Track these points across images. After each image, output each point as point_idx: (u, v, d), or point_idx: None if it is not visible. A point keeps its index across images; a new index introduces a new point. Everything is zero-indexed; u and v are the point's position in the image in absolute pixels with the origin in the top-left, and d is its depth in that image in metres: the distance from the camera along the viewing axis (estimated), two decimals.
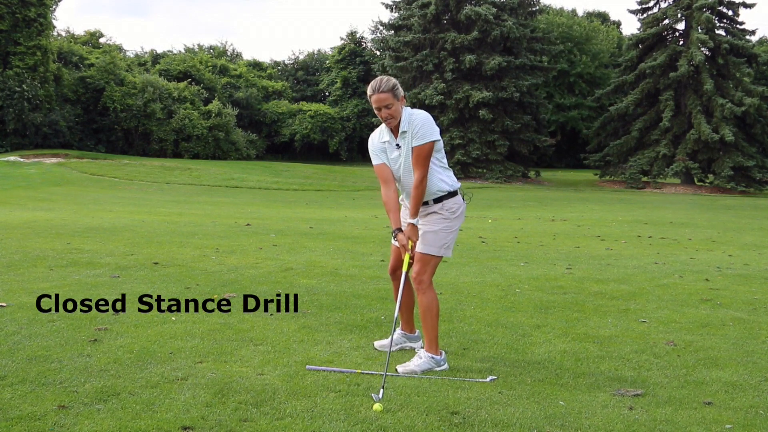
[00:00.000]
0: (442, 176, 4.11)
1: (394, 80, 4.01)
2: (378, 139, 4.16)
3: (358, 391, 3.57)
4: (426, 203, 4.10)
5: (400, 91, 4.01)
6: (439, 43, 38.17)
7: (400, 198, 4.31)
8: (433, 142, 3.98)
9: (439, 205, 4.10)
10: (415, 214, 4.03)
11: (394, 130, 4.06)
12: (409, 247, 4.04)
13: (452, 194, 4.13)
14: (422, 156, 3.96)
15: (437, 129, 4.06)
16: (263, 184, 29.92)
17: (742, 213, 22.27)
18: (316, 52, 62.29)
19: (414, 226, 4.03)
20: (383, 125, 4.11)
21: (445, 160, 4.18)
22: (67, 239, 9.36)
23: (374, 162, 4.18)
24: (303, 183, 31.27)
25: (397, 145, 4.06)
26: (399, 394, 3.56)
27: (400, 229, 4.08)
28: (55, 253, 7.95)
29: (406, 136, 4.01)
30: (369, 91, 4.00)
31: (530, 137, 38.91)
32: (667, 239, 12.41)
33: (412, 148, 3.98)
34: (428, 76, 38.60)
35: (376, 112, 4.00)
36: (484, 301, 5.99)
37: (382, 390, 3.49)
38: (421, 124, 3.96)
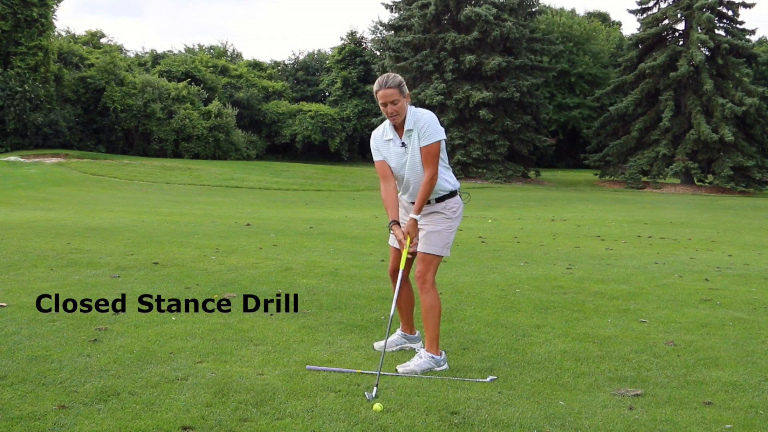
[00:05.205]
0: (445, 176, 4.13)
1: (400, 77, 4.05)
2: (381, 136, 4.17)
3: (358, 391, 3.57)
4: (428, 203, 4.11)
5: (406, 89, 4.04)
6: (439, 44, 38.17)
7: (399, 195, 4.30)
8: (441, 140, 4.01)
9: (442, 204, 4.12)
10: (419, 210, 4.04)
11: (399, 128, 4.08)
12: (407, 242, 4.05)
13: (453, 194, 4.16)
14: (432, 154, 3.99)
15: (442, 128, 4.09)
16: (263, 184, 29.91)
17: (742, 213, 22.27)
18: (316, 52, 62.25)
19: (415, 222, 4.04)
20: (387, 122, 4.13)
21: (447, 160, 4.20)
22: (67, 239, 9.36)
23: (375, 159, 4.20)
24: (303, 183, 31.26)
25: (403, 143, 4.07)
26: (399, 394, 3.56)
27: (397, 222, 4.11)
28: (55, 253, 7.94)
29: (412, 135, 4.02)
30: (376, 87, 4.02)
31: (530, 137, 38.92)
32: (667, 239, 12.41)
33: (420, 147, 4.00)
34: (428, 76, 38.60)
35: (381, 108, 4.02)
36: (484, 301, 5.99)
37: (375, 388, 3.49)
38: (428, 124, 3.99)
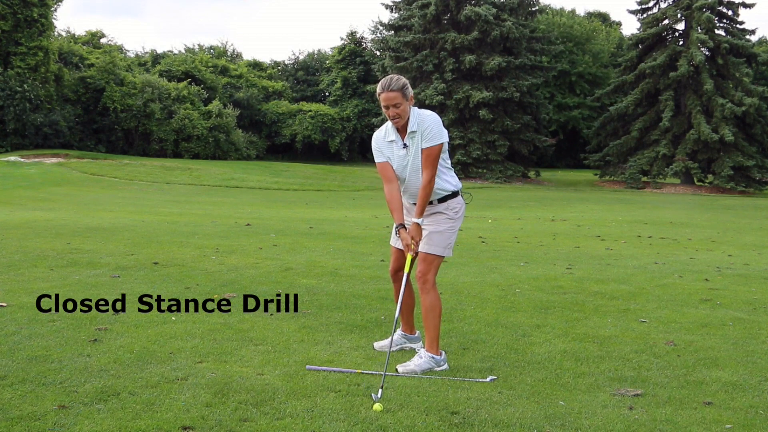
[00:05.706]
0: (447, 176, 4.13)
1: (404, 80, 4.00)
2: (383, 137, 4.14)
3: (358, 391, 3.57)
4: (430, 203, 4.11)
5: (410, 91, 4.00)
6: (439, 44, 38.18)
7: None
8: (443, 143, 3.99)
9: (444, 205, 4.12)
10: (420, 213, 4.04)
11: (401, 130, 4.06)
12: (412, 246, 4.04)
13: (455, 194, 4.16)
14: (432, 157, 3.97)
15: (446, 131, 4.07)
16: (263, 184, 29.92)
17: (742, 213, 22.27)
18: (316, 52, 62.27)
19: (418, 226, 4.04)
20: (388, 123, 4.11)
21: (449, 161, 4.20)
22: (67, 239, 9.36)
23: (377, 160, 4.17)
24: (303, 183, 31.26)
25: (405, 144, 4.05)
26: (399, 394, 3.56)
27: (403, 225, 4.08)
28: (55, 253, 7.94)
29: (415, 137, 4.00)
30: (378, 89, 3.98)
31: (530, 137, 38.95)
32: (667, 239, 12.41)
33: (421, 149, 3.98)
34: (428, 76, 38.61)
35: (384, 110, 3.99)
36: (484, 301, 5.99)
37: (381, 390, 3.49)
38: (432, 126, 3.96)
